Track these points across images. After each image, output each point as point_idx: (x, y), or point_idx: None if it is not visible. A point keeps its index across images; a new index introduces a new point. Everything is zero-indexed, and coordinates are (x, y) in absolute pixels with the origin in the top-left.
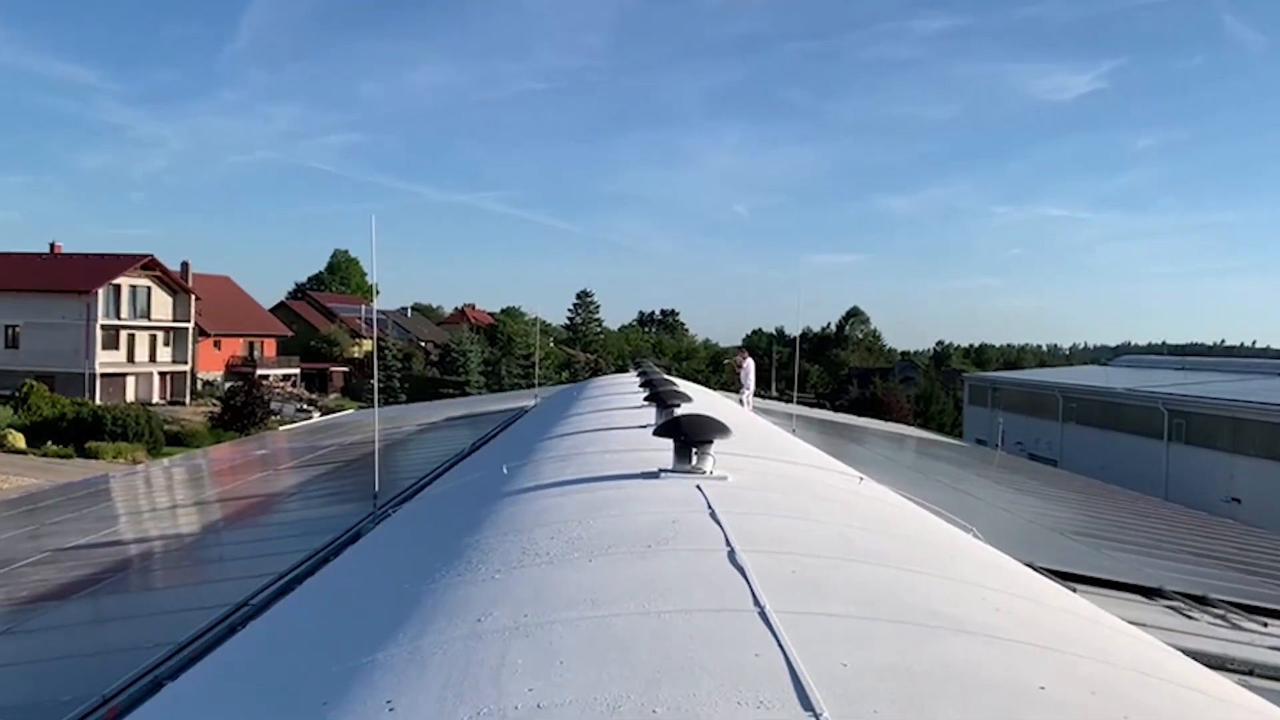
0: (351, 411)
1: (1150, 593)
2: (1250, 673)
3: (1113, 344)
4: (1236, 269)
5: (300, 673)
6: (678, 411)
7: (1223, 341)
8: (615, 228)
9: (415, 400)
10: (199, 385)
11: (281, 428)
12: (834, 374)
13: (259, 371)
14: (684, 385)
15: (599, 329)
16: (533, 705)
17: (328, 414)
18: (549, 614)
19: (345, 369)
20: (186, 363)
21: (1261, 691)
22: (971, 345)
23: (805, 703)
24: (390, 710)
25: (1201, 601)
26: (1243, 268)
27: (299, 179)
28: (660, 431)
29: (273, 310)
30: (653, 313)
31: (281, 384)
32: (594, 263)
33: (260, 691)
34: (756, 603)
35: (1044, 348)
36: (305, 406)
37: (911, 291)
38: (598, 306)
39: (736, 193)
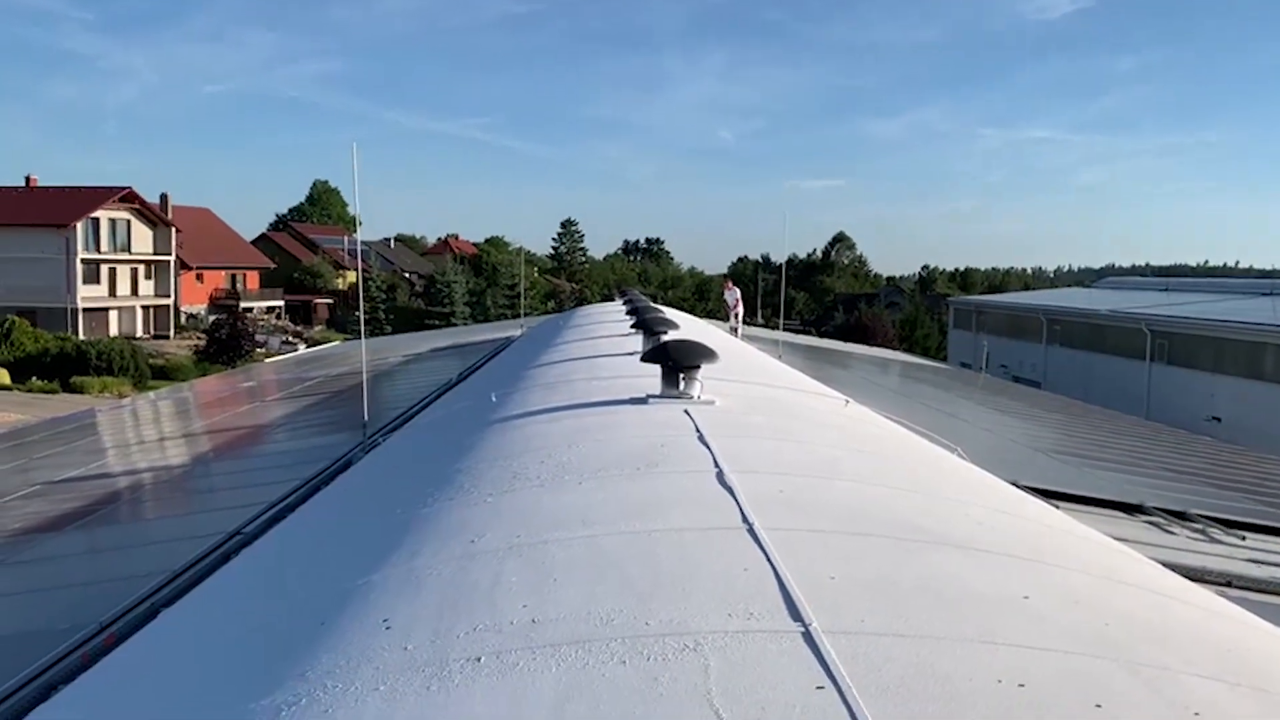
0: (337, 343)
1: (1131, 509)
2: (1228, 584)
3: (1097, 266)
4: (1219, 189)
5: (296, 596)
6: (665, 338)
7: (1206, 262)
8: (598, 154)
9: (400, 332)
10: (183, 319)
11: (267, 360)
12: (820, 300)
13: (243, 304)
14: (670, 314)
15: (584, 258)
16: (527, 620)
17: (313, 346)
18: (541, 534)
19: (329, 301)
20: (169, 296)
21: (1239, 601)
22: (957, 269)
23: (794, 613)
24: (387, 628)
25: (1181, 517)
26: (1225, 188)
27: (275, 108)
28: (648, 358)
29: (254, 242)
30: (637, 241)
31: (265, 316)
32: (578, 191)
33: (256, 614)
34: (745, 520)
35: (1029, 271)
36: (290, 339)
37: (897, 217)
38: (582, 235)
39: (720, 118)
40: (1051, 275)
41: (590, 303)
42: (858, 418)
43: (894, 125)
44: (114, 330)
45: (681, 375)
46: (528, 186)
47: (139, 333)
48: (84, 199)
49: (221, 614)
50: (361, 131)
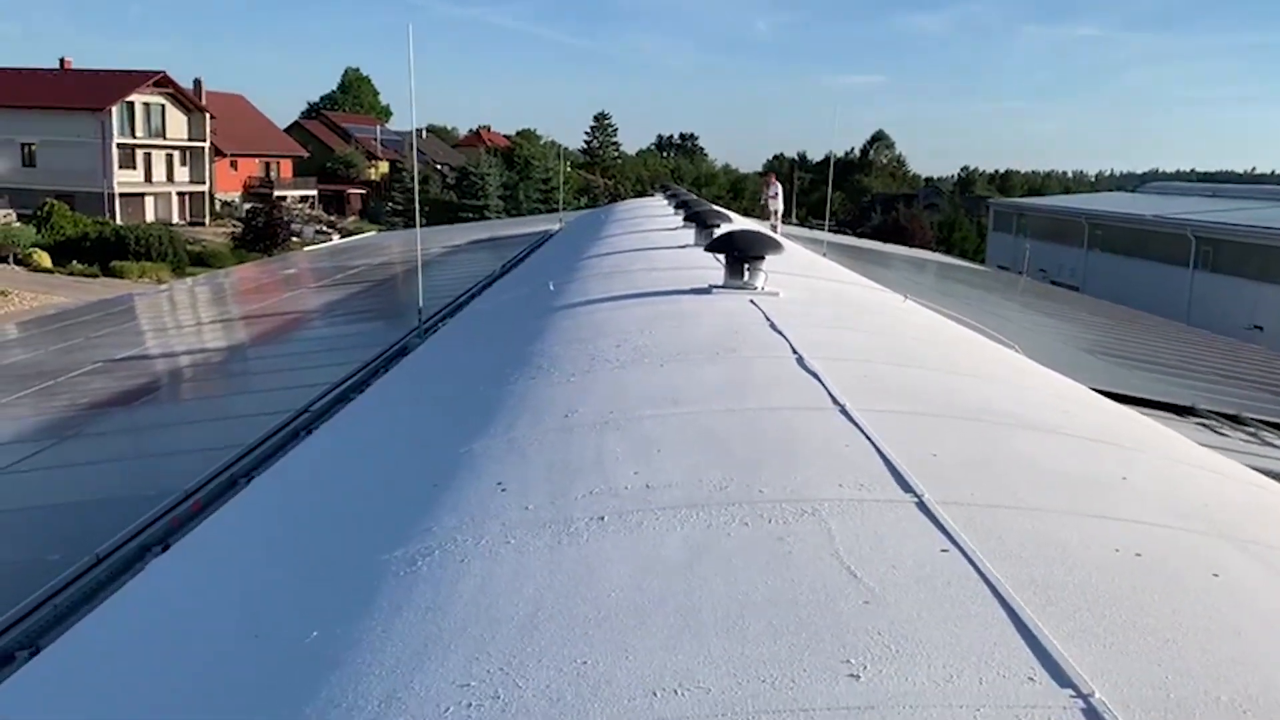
0: (373, 234)
1: (1183, 411)
2: None
3: (1140, 171)
4: (1270, 94)
5: (397, 462)
6: (718, 231)
7: (1254, 169)
8: (632, 45)
9: (433, 224)
10: (217, 206)
11: (306, 249)
12: (857, 200)
13: (277, 193)
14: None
15: (616, 153)
16: (641, 486)
17: (347, 236)
18: (634, 410)
19: (362, 191)
20: (204, 183)
21: None
22: (996, 171)
23: (904, 485)
24: (502, 490)
25: (1234, 419)
26: (1273, 94)
27: None
28: (712, 247)
29: (287, 130)
30: (671, 136)
31: (300, 205)
32: (610, 84)
33: (358, 480)
34: (835, 401)
35: (1069, 174)
36: (324, 229)
37: (937, 115)
38: (615, 130)
39: (758, 8)
40: (1093, 180)
41: (624, 198)
42: (917, 313)
43: (937, 19)
44: (150, 216)
45: (746, 266)
46: (560, 78)
47: (174, 219)
48: (119, 83)
49: (318, 481)
50: (391, 18)
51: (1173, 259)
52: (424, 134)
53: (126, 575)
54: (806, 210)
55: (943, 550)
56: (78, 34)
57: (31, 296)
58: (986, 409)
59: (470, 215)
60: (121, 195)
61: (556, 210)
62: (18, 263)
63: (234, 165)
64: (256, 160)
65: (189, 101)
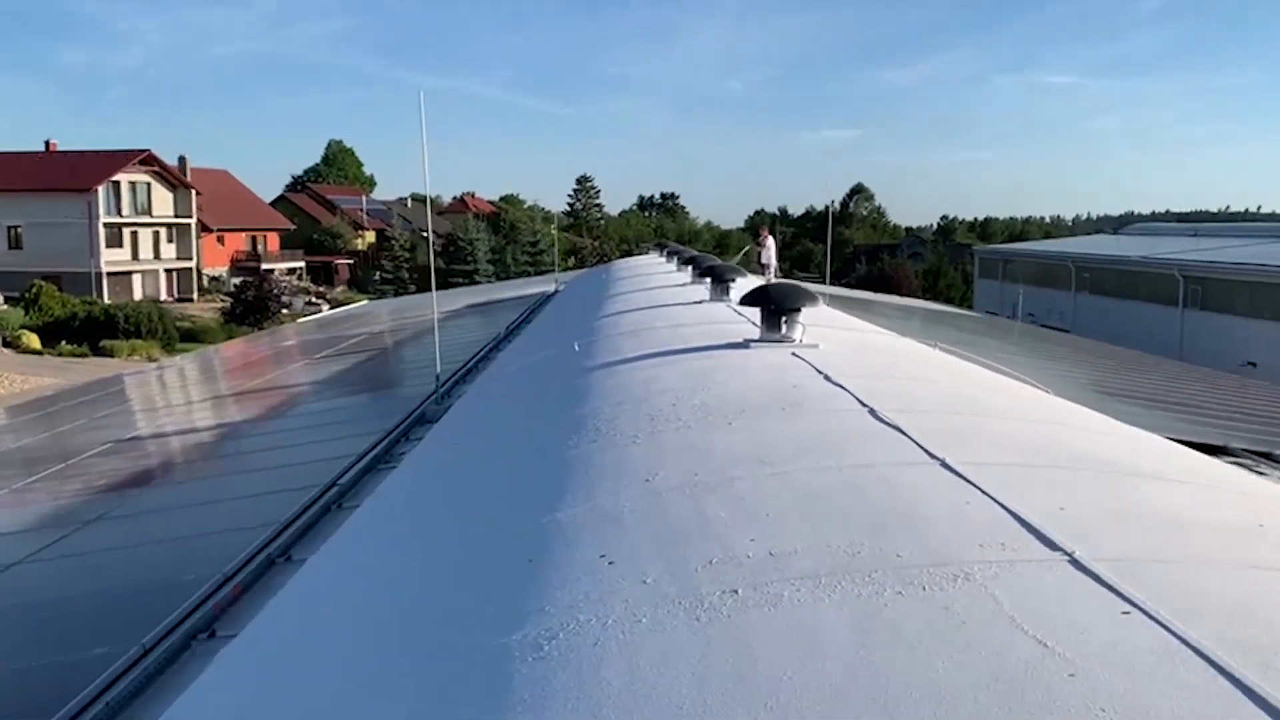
0: (364, 303)
1: (1215, 450)
2: None
3: (1116, 214)
4: (1238, 134)
5: (474, 538)
6: (735, 286)
7: (1227, 208)
8: (611, 110)
9: (423, 290)
10: (205, 281)
11: (299, 321)
12: (839, 252)
13: (264, 266)
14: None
15: (600, 214)
16: (763, 554)
17: (336, 307)
18: (721, 471)
19: (349, 261)
20: (191, 259)
21: None
22: (976, 219)
23: (1048, 542)
24: (610, 563)
25: (1268, 458)
26: (1244, 132)
27: (285, 69)
28: (748, 300)
29: (272, 204)
30: (652, 196)
31: (288, 277)
32: (591, 147)
33: (430, 560)
34: (930, 455)
35: (1048, 219)
36: (313, 300)
37: (914, 167)
38: (598, 191)
39: (733, 68)
40: (1070, 224)
41: (611, 258)
42: (954, 361)
43: (908, 73)
44: (138, 294)
45: (784, 319)
46: (541, 144)
47: (163, 296)
48: (104, 163)
49: (388, 561)
50: (371, 91)
51: (1162, 299)
52: (408, 202)
53: (174, 666)
54: (790, 264)
55: (1124, 613)
56: (63, 116)
57: (21, 379)
58: (1083, 458)
59: (460, 280)
60: (109, 274)
61: (545, 273)
62: (6, 345)
63: (221, 240)
64: (243, 234)
65: (174, 178)
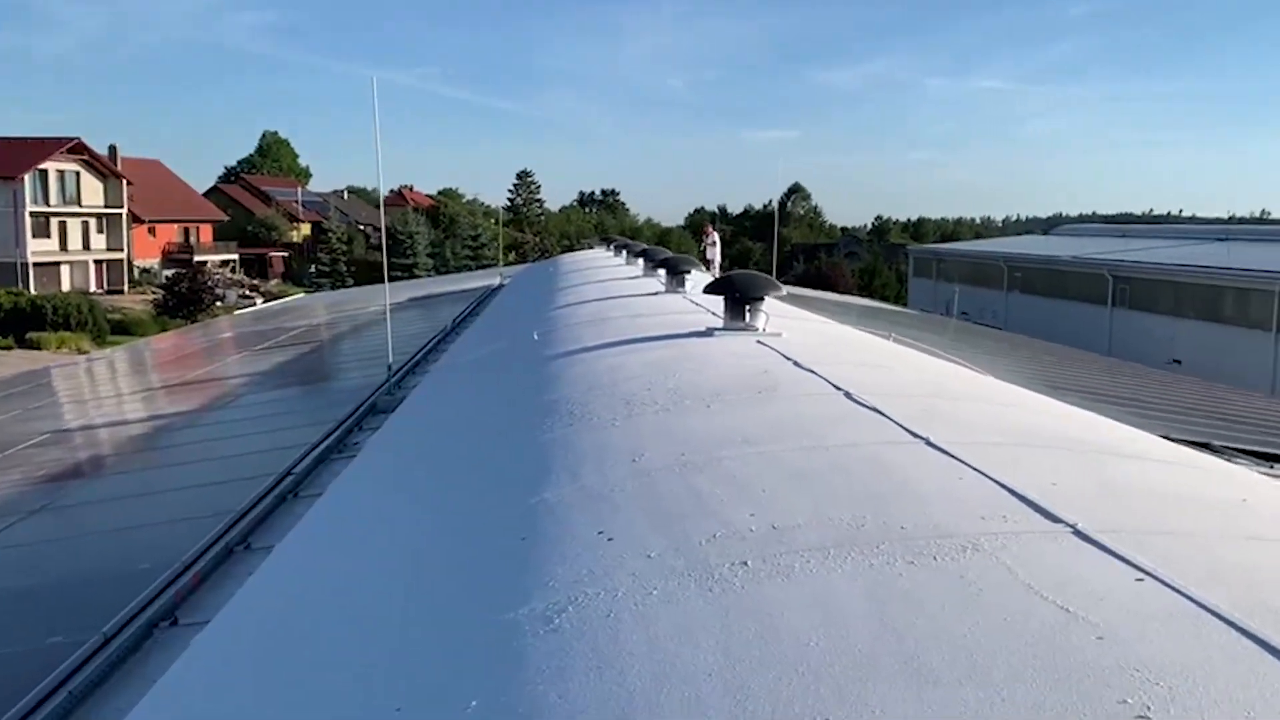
0: (301, 296)
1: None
2: None
3: (1044, 215)
4: (1162, 140)
5: (459, 520)
6: (690, 278)
7: (1151, 210)
8: (552, 106)
9: (361, 284)
10: (136, 273)
11: (236, 313)
12: (779, 251)
13: (197, 258)
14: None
15: (540, 210)
16: (767, 528)
17: (271, 300)
18: (707, 452)
19: (284, 254)
20: (122, 250)
21: None
22: (909, 220)
23: (1048, 515)
24: (609, 540)
25: (1207, 448)
26: (1169, 138)
27: (219, 58)
28: (712, 290)
29: (206, 195)
30: (593, 192)
31: (221, 270)
32: (531, 143)
33: (417, 542)
34: (914, 435)
35: (978, 220)
36: (248, 293)
37: (850, 168)
38: (538, 187)
39: (673, 67)
40: (1000, 224)
41: (552, 254)
42: (910, 351)
43: (847, 75)
44: (66, 285)
45: (748, 307)
46: (481, 138)
47: (92, 287)
48: (31, 150)
49: (363, 544)
50: (306, 82)
51: (1092, 298)
52: (345, 195)
53: (137, 655)
54: (730, 262)
55: (1137, 580)
56: None
57: None
58: (1062, 438)
59: (400, 274)
60: (36, 265)
61: (487, 267)
62: None
63: (152, 231)
64: (175, 226)
65: (104, 168)
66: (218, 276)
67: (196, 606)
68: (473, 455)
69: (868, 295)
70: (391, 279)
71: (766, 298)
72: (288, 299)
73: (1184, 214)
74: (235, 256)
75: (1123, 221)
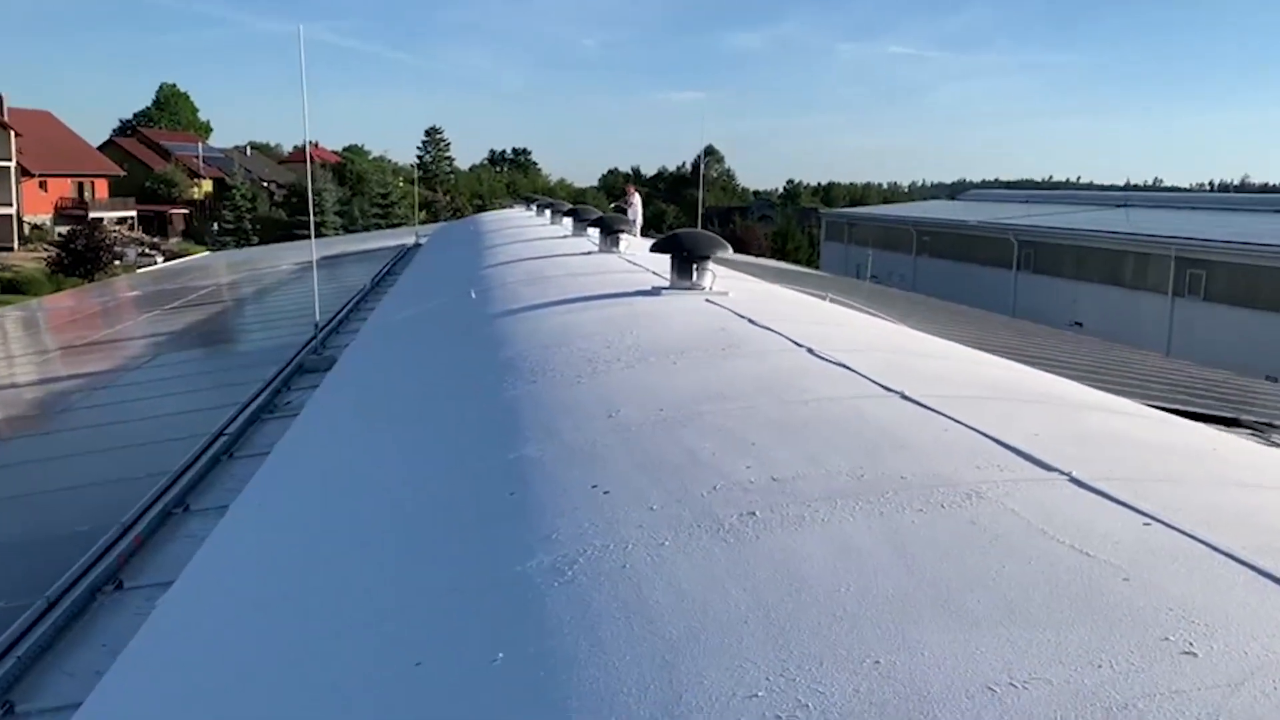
0: (205, 254)
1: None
2: None
3: (949, 181)
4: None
5: (436, 479)
6: (622, 236)
7: (1051, 178)
8: (461, 61)
9: (266, 243)
10: (27, 230)
11: (139, 271)
12: (690, 213)
13: (92, 214)
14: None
15: (450, 168)
16: (767, 479)
17: (174, 258)
18: (686, 407)
19: (185, 211)
20: (11, 205)
21: None
22: (820, 184)
23: (1041, 464)
24: (605, 493)
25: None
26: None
27: (112, 6)
28: (659, 248)
29: (101, 149)
30: (504, 151)
31: (118, 227)
32: (440, 99)
33: (395, 495)
34: (888, 390)
35: (886, 185)
36: (148, 251)
37: (761, 131)
38: (448, 144)
39: (586, 27)
40: (907, 189)
41: (465, 214)
42: (853, 312)
43: (756, 37)
44: None
45: (695, 266)
46: (388, 94)
47: None
48: None
49: (344, 503)
50: (210, 34)
51: (997, 262)
52: (248, 151)
53: (83, 619)
54: (645, 223)
55: (1145, 524)
56: None
57: None
58: (1031, 392)
59: (305, 233)
60: None
61: (397, 226)
62: None
63: (43, 186)
64: (69, 180)
65: None
66: (115, 234)
67: (140, 570)
68: (436, 412)
69: (781, 258)
70: (299, 237)
71: (722, 253)
72: (192, 257)
73: (1083, 181)
74: (133, 213)
75: (1025, 188)
